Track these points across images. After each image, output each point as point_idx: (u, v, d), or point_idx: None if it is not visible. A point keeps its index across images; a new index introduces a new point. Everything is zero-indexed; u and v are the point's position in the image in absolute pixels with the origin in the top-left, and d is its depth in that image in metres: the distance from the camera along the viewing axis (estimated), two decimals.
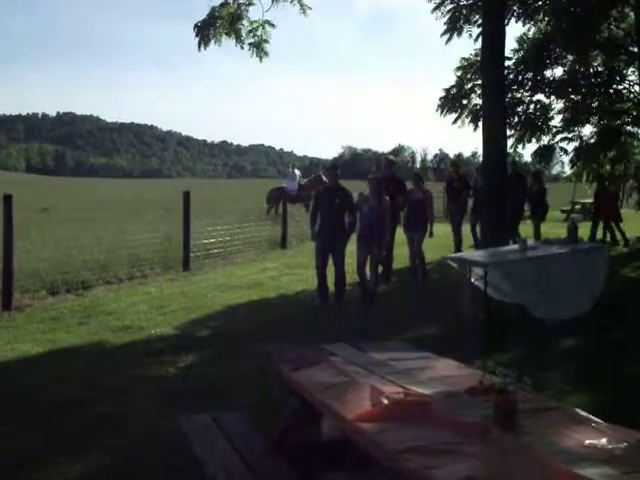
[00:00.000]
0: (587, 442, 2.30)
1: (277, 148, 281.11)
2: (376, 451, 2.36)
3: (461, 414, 2.54)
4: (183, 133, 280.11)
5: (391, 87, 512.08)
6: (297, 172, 24.21)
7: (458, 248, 12.68)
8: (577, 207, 24.30)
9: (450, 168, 14.49)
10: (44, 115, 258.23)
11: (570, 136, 15.29)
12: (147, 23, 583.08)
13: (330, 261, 9.47)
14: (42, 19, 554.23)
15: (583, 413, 2.68)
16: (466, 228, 13.69)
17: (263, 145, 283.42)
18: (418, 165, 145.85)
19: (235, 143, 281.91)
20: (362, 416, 2.55)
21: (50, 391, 5.83)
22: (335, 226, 9.29)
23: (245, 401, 5.10)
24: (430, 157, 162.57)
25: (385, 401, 2.63)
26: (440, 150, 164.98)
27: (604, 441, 2.32)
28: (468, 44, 14.90)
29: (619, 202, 17.18)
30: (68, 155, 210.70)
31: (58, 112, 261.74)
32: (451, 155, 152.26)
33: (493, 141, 10.60)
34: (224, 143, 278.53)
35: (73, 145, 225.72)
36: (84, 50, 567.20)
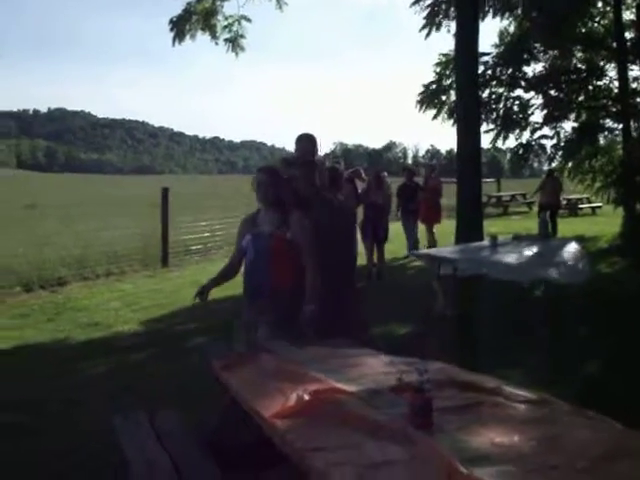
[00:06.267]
0: (497, 440, 2.28)
1: (269, 144, 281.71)
2: (285, 448, 2.34)
3: (380, 412, 2.51)
4: (175, 129, 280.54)
5: (382, 82, 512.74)
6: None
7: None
8: (564, 202, 24.57)
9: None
10: (35, 111, 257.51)
11: (550, 134, 15.26)
12: (138, 19, 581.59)
13: None
14: (34, 16, 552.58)
15: (510, 405, 2.64)
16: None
17: (255, 141, 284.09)
18: (410, 161, 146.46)
19: (227, 139, 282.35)
20: (278, 413, 2.52)
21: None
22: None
23: (196, 399, 5.03)
24: (422, 152, 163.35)
25: (306, 398, 2.60)
26: (432, 146, 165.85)
27: (516, 439, 2.30)
28: (450, 39, 14.82)
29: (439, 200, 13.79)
30: (59, 151, 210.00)
31: (49, 108, 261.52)
32: (443, 151, 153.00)
33: (467, 137, 10.55)
34: (216, 139, 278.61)
35: (64, 141, 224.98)
36: (76, 46, 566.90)
